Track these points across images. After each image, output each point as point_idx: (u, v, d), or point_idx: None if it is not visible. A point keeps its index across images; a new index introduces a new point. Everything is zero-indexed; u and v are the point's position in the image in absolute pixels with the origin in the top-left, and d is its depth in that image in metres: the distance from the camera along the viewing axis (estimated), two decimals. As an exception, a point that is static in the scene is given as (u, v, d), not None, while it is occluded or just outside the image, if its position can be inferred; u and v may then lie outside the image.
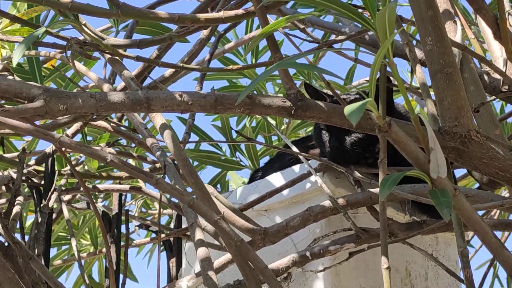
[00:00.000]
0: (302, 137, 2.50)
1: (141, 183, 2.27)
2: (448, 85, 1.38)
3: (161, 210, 2.60)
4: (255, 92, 1.77)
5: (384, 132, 1.14)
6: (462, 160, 1.39)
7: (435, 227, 1.92)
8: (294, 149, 1.97)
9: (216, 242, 1.98)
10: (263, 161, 2.97)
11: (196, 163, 2.90)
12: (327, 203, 1.90)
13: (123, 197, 2.03)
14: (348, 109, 1.04)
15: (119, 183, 2.00)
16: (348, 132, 2.02)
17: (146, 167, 2.16)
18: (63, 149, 1.51)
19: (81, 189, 1.96)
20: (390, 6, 1.13)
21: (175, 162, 1.85)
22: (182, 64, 1.65)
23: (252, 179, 2.35)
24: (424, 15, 1.41)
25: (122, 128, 2.04)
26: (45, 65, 2.41)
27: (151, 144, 1.86)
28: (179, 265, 2.10)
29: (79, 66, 1.80)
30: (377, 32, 1.18)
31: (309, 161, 1.98)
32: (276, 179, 2.14)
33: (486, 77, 1.94)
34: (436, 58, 1.40)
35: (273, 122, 3.25)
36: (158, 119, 1.49)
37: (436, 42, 1.39)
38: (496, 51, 1.92)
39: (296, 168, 2.11)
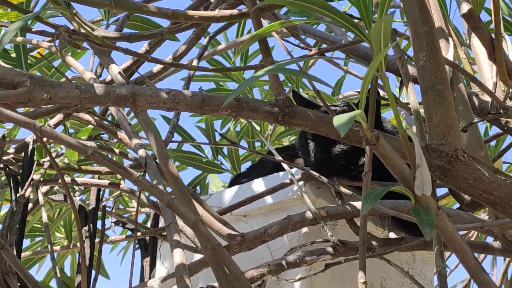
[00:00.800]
0: (286, 145, 2.48)
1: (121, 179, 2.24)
2: (438, 103, 1.37)
3: (139, 208, 2.57)
4: (241, 95, 1.75)
5: (371, 145, 1.12)
6: (447, 179, 1.38)
7: (413, 245, 1.91)
8: (278, 156, 1.95)
9: (192, 245, 1.97)
10: (245, 166, 2.95)
11: (177, 163, 2.88)
12: (307, 213, 1.88)
13: (101, 193, 2.00)
14: (337, 119, 1.02)
15: (99, 178, 1.97)
16: (333, 143, 2.01)
17: (127, 163, 2.13)
18: (44, 139, 1.48)
19: (59, 181, 1.93)
20: (387, 18, 1.12)
21: (157, 160, 1.83)
22: (171, 61, 1.62)
23: (232, 183, 2.33)
24: (419, 30, 1.40)
25: (105, 122, 2.02)
26: (32, 53, 2.38)
27: (134, 142, 1.84)
28: (153, 265, 2.08)
29: (67, 57, 1.78)
30: (372, 44, 1.16)
31: (292, 170, 1.96)
32: (257, 185, 2.12)
33: (474, 98, 1.93)
34: (428, 74, 1.38)
35: (258, 127, 3.23)
36: (142, 116, 1.47)
37: (429, 58, 1.38)
38: (487, 73, 1.91)
39: (279, 175, 2.09)
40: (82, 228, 1.96)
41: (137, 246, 2.08)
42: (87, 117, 2.01)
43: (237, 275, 1.25)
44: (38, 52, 2.26)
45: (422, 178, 1.15)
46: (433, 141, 1.38)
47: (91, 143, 2.06)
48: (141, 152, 1.82)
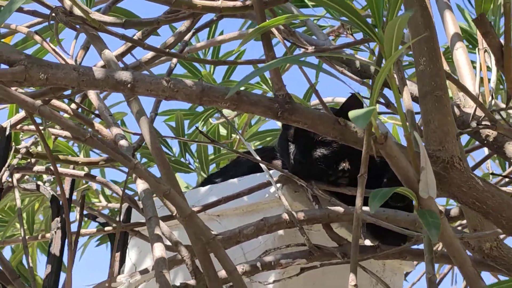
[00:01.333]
0: (263, 147, 2.46)
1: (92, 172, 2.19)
2: (437, 108, 1.36)
3: (107, 203, 2.54)
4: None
5: (379, 144, 1.11)
6: (441, 186, 1.37)
7: (389, 253, 1.90)
8: (256, 157, 1.93)
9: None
10: (212, 167, 2.93)
11: (144, 160, 2.84)
12: (283, 215, 1.86)
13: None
14: (353, 113, 1.00)
15: (74, 168, 1.92)
16: (313, 147, 1.99)
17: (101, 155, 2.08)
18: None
19: (34, 169, 1.89)
20: (403, 17, 1.10)
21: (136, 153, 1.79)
22: (167, 50, 1.59)
23: (205, 183, 2.30)
24: (421, 34, 1.39)
25: (79, 111, 1.97)
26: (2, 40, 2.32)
27: (114, 132, 1.80)
28: (122, 260, 2.04)
29: (44, 43, 1.74)
30: (382, 44, 1.15)
31: (270, 171, 1.94)
32: (232, 185, 2.09)
33: (456, 109, 1.93)
34: (428, 79, 1.38)
35: (224, 131, 3.21)
36: (135, 104, 1.44)
37: (429, 63, 1.37)
38: (469, 86, 1.91)
39: (255, 176, 2.07)
40: (54, 218, 1.91)
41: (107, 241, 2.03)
42: (64, 106, 1.96)
43: (230, 270, 1.23)
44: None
45: (427, 181, 1.14)
46: (430, 147, 1.37)
47: (66, 133, 2.01)
48: (122, 142, 1.79)
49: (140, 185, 1.70)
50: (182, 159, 2.84)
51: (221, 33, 3.00)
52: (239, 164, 2.29)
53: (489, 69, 2.00)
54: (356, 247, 1.32)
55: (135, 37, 1.70)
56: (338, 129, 1.32)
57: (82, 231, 2.06)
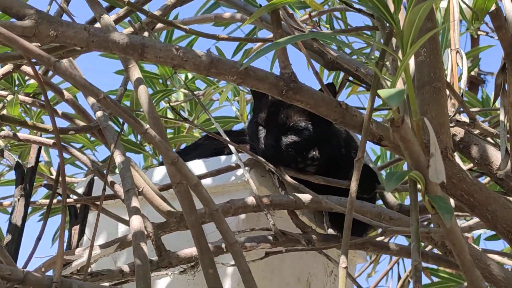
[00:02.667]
0: (231, 130, 2.45)
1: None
2: (434, 99, 1.38)
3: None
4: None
5: (396, 126, 1.12)
6: (432, 176, 1.39)
7: (352, 243, 1.92)
8: (226, 138, 1.92)
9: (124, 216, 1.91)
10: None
11: (93, 138, 2.79)
12: (250, 199, 1.86)
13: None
14: (386, 92, 1.01)
15: (40, 136, 1.88)
16: (285, 133, 2.00)
17: (67, 125, 2.03)
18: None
19: (0, 133, 1.84)
20: (427, 4, 1.12)
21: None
22: (171, 20, 1.57)
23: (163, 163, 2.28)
24: (422, 26, 1.41)
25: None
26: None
27: (92, 103, 1.77)
28: (81, 233, 2.00)
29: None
30: (400, 29, 1.17)
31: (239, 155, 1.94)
32: (197, 166, 2.08)
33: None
34: (427, 70, 1.40)
35: (171, 116, 3.18)
36: (135, 72, 1.42)
37: (429, 55, 1.40)
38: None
39: (222, 158, 2.07)
40: (18, 186, 1.87)
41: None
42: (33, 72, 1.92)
43: (231, 242, 1.22)
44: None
45: (436, 167, 1.15)
46: (425, 137, 1.39)
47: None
48: (99, 113, 1.76)
49: (118, 157, 1.68)
50: (132, 138, 2.80)
51: (175, 17, 2.98)
52: (203, 145, 2.28)
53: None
54: (348, 230, 1.32)
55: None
56: (339, 112, 1.33)
57: (42, 201, 2.02)
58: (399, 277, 3.22)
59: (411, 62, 1.50)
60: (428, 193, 1.16)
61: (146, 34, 1.86)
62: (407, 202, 2.72)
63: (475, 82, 5.73)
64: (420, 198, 1.24)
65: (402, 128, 1.13)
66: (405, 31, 1.15)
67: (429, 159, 1.16)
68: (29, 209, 1.93)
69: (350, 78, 1.97)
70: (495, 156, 1.76)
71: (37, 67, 2.06)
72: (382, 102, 2.20)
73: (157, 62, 1.24)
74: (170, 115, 3.17)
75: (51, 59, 1.11)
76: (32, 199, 1.96)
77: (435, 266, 3.04)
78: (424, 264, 3.21)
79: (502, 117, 1.48)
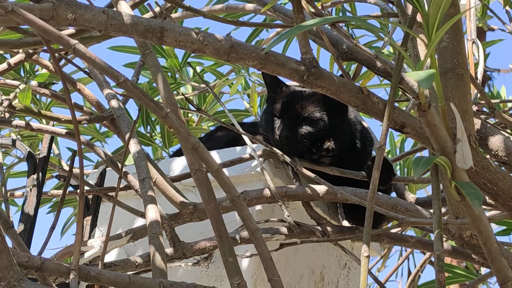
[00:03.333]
0: (244, 122, 2.43)
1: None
2: (457, 86, 1.36)
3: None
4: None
5: (422, 111, 1.10)
6: (455, 164, 1.36)
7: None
8: (240, 129, 1.90)
9: (137, 208, 1.89)
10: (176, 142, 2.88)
11: (104, 129, 2.77)
12: (265, 190, 1.84)
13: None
14: (417, 75, 0.99)
15: (53, 125, 1.86)
16: (300, 123, 1.98)
17: (79, 115, 2.01)
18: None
19: (13, 123, 1.81)
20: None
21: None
22: (188, 5, 1.55)
23: (177, 154, 2.26)
24: (446, 12, 1.39)
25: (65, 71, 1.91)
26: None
27: (106, 92, 1.75)
28: (93, 225, 1.98)
29: None
30: (426, 13, 1.14)
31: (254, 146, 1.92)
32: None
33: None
34: (449, 56, 1.37)
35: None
36: (151, 57, 1.39)
37: (452, 41, 1.37)
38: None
39: (236, 149, 2.04)
40: (30, 176, 1.85)
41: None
42: (45, 62, 1.90)
43: (253, 229, 1.19)
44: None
45: (463, 152, 1.13)
46: (453, 124, 1.36)
47: (44, 90, 1.94)
48: (114, 102, 1.74)
49: (133, 146, 1.66)
50: (142, 130, 2.78)
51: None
52: (215, 137, 2.26)
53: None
54: (370, 218, 1.30)
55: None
56: (361, 98, 1.31)
57: (54, 192, 2.00)
58: (409, 272, 3.20)
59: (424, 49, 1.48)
60: (455, 179, 1.14)
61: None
62: (418, 195, 2.69)
63: (482, 79, 5.71)
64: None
65: (429, 113, 1.10)
66: (431, 15, 1.13)
67: (456, 144, 1.14)
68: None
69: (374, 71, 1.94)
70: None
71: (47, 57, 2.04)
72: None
73: (176, 46, 1.22)
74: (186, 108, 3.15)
75: (71, 41, 1.08)
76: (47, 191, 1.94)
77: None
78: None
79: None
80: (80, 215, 1.24)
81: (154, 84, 3.16)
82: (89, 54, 1.09)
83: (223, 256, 1.28)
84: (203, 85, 3.09)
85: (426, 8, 1.16)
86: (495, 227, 3.77)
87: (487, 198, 1.66)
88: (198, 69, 3.14)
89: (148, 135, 2.75)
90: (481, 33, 4.91)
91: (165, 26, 1.22)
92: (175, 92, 3.11)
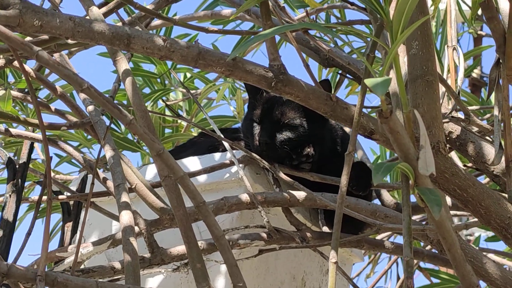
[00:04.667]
0: (227, 128, 2.43)
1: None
2: (426, 93, 1.37)
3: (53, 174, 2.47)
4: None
5: (384, 118, 1.10)
6: (424, 170, 1.36)
7: (347, 241, 1.90)
8: (221, 135, 1.91)
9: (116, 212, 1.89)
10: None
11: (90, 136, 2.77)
12: (244, 196, 1.84)
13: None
14: (371, 81, 0.99)
15: (33, 131, 1.86)
16: (280, 129, 1.98)
17: (61, 121, 2.02)
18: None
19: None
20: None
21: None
22: (159, 12, 1.56)
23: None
24: (414, 18, 1.39)
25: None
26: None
27: (83, 98, 1.75)
28: (74, 230, 1.98)
29: None
30: (392, 22, 1.15)
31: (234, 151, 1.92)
32: (192, 163, 2.06)
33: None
34: (419, 63, 1.38)
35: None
36: (122, 64, 1.40)
37: (422, 48, 1.38)
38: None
39: (216, 155, 2.05)
40: (9, 182, 1.85)
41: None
42: (27, 68, 1.90)
43: (218, 236, 1.20)
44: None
45: (426, 159, 1.13)
46: (417, 130, 1.37)
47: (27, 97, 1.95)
48: (91, 108, 1.74)
49: (109, 152, 1.66)
50: (130, 136, 2.78)
51: (174, 15, 2.96)
52: (197, 143, 2.26)
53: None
54: (338, 224, 1.31)
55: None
56: (329, 105, 1.32)
57: (34, 198, 2.00)
58: (398, 277, 3.20)
59: (404, 56, 1.48)
60: (418, 186, 1.14)
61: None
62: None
63: (477, 85, 5.71)
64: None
65: (391, 120, 1.11)
66: (394, 21, 1.14)
67: (419, 151, 1.14)
68: (26, 207, 1.92)
69: (345, 75, 1.94)
70: (491, 153, 1.74)
71: (33, 63, 2.05)
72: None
73: (144, 53, 1.22)
74: (168, 114, 3.15)
75: (34, 48, 1.09)
76: (29, 196, 1.95)
77: (435, 267, 3.02)
78: (423, 265, 3.19)
79: (496, 111, 1.46)
80: (48, 221, 1.25)
81: (147, 90, 3.15)
82: (52, 61, 1.10)
83: (191, 262, 1.28)
84: (192, 91, 3.09)
85: (391, 14, 1.17)
86: (484, 233, 3.78)
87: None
88: (188, 75, 3.15)
89: (135, 141, 2.76)
90: (478, 38, 4.91)
91: (132, 33, 1.23)
92: (164, 97, 3.11)
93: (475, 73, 5.38)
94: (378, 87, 0.96)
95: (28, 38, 1.70)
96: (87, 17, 1.44)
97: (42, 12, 1.20)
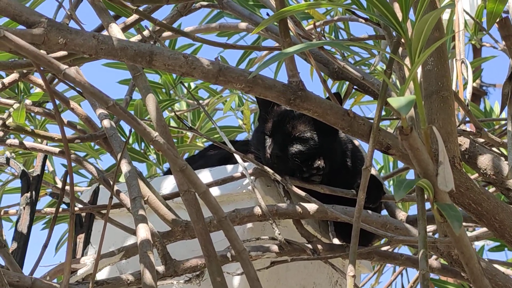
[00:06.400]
0: (235, 140, 2.45)
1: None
2: (442, 108, 1.39)
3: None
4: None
5: (404, 135, 1.12)
6: (440, 185, 1.38)
7: (358, 253, 1.92)
8: (232, 148, 1.93)
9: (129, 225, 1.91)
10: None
11: (97, 146, 2.80)
12: (256, 208, 1.86)
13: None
14: (396, 101, 1.01)
15: (46, 144, 1.88)
16: (291, 142, 2.00)
17: (71, 133, 2.04)
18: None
19: (7, 142, 1.84)
20: (435, 13, 1.12)
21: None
22: (177, 28, 1.58)
23: (168, 172, 2.28)
24: (430, 36, 1.41)
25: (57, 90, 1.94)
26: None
27: (99, 112, 1.77)
28: (86, 242, 2.00)
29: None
30: (409, 38, 1.17)
31: (244, 164, 1.94)
32: (203, 175, 2.08)
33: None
34: (434, 79, 1.40)
35: (173, 124, 3.18)
36: (142, 80, 1.42)
37: (437, 64, 1.40)
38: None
39: (228, 168, 2.07)
40: (23, 194, 1.87)
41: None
42: (39, 81, 1.92)
43: (240, 250, 1.22)
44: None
45: (445, 175, 1.15)
46: (433, 145, 1.39)
47: (38, 109, 1.97)
48: (106, 122, 1.76)
49: (125, 166, 1.68)
50: (136, 146, 2.80)
51: (179, 27, 2.98)
52: (206, 156, 2.28)
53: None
54: (356, 238, 1.32)
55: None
56: (347, 120, 1.33)
57: (47, 210, 2.02)
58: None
59: (418, 71, 1.50)
60: (437, 201, 1.16)
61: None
62: (410, 212, 2.72)
63: (477, 94, 5.74)
64: (427, 207, 1.24)
65: (411, 137, 1.13)
66: (413, 40, 1.15)
67: (438, 167, 1.16)
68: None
69: (358, 89, 1.97)
70: (501, 166, 1.76)
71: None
72: (385, 112, 2.20)
73: (165, 70, 1.24)
74: (173, 124, 3.17)
75: (61, 66, 1.11)
76: (41, 209, 1.96)
77: (436, 277, 3.03)
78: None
79: (509, 126, 1.48)
80: (71, 236, 1.26)
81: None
82: (78, 79, 1.12)
83: (211, 275, 1.30)
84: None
85: (410, 32, 1.19)
86: (489, 243, 3.79)
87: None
88: (192, 85, 3.17)
89: (142, 152, 2.77)
90: (477, 48, 4.95)
91: (154, 50, 1.25)
92: (169, 108, 3.13)
93: (475, 82, 5.42)
94: (403, 107, 0.98)
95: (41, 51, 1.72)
96: (105, 33, 1.46)
97: (66, 30, 1.22)
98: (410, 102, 1.00)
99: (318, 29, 2.53)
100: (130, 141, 2.80)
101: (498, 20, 1.27)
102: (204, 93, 3.23)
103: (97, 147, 2.83)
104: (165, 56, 1.25)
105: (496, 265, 2.86)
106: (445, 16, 2.92)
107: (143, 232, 1.55)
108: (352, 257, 1.32)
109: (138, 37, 1.79)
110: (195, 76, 1.26)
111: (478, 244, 4.05)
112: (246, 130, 2.92)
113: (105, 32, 1.50)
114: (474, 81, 4.33)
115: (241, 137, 3.18)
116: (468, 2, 4.11)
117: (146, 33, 1.58)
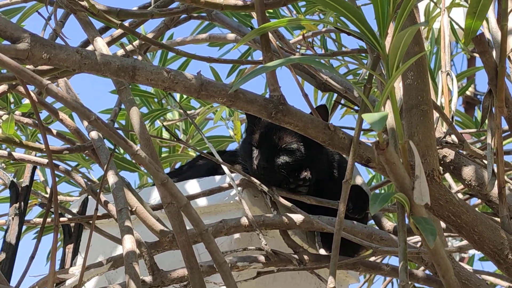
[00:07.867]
0: (224, 150, 2.47)
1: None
2: (421, 122, 1.41)
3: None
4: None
5: (381, 149, 1.14)
6: (419, 197, 1.40)
7: (343, 264, 1.94)
8: (219, 159, 1.95)
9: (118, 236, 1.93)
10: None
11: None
12: (243, 219, 1.88)
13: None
14: (370, 117, 1.03)
15: (35, 155, 1.90)
16: (277, 154, 2.02)
17: (60, 145, 2.05)
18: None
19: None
20: (411, 29, 1.14)
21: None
22: (163, 42, 1.60)
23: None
24: (410, 50, 1.44)
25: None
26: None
27: (86, 125, 1.79)
28: (75, 252, 2.02)
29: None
30: (386, 53, 1.19)
31: (231, 175, 1.96)
32: (191, 185, 2.10)
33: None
34: (414, 93, 1.42)
35: (166, 135, 3.20)
36: (126, 93, 1.44)
37: (417, 78, 1.42)
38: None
39: (216, 178, 2.09)
40: (12, 205, 1.89)
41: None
42: (33, 95, 1.94)
43: (220, 262, 1.24)
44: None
45: (421, 189, 1.17)
46: (412, 159, 1.41)
47: (27, 120, 1.98)
48: (93, 134, 1.78)
49: (111, 177, 1.70)
50: (127, 156, 2.81)
51: (170, 37, 3.01)
52: (195, 167, 2.30)
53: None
54: (336, 250, 1.34)
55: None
56: (327, 134, 1.35)
57: (36, 220, 2.03)
58: (393, 297, 3.23)
59: (400, 85, 1.52)
60: (413, 215, 1.18)
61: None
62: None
63: (471, 103, 5.76)
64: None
65: (387, 151, 1.15)
66: (390, 55, 1.18)
67: (414, 181, 1.18)
68: (23, 228, 1.95)
69: (342, 101, 1.99)
70: (484, 177, 1.78)
71: (32, 87, 2.09)
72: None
73: (148, 84, 1.26)
74: (165, 134, 3.19)
75: (43, 82, 1.13)
76: (26, 218, 1.98)
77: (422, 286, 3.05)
78: (417, 285, 3.23)
79: (489, 139, 1.50)
80: (54, 247, 1.28)
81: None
82: (61, 94, 1.14)
83: (193, 287, 1.32)
84: (189, 111, 3.13)
85: (387, 47, 1.21)
86: (478, 252, 3.81)
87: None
88: (184, 95, 3.19)
89: (133, 161, 2.79)
90: (471, 58, 4.96)
91: (137, 65, 1.27)
92: (161, 118, 3.15)
93: (469, 91, 5.44)
94: (376, 123, 1.00)
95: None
96: (91, 47, 1.48)
97: (50, 45, 1.24)
98: (383, 118, 1.02)
99: (309, 40, 2.56)
100: (122, 151, 2.81)
101: (473, 36, 1.30)
102: (196, 103, 3.25)
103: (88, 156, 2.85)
104: (147, 71, 1.27)
105: (485, 276, 2.89)
106: (436, 25, 2.95)
107: (129, 243, 1.57)
108: (333, 269, 1.34)
109: (130, 47, 1.81)
110: (177, 91, 1.28)
111: (470, 252, 4.06)
112: (237, 140, 2.94)
113: (91, 47, 1.52)
114: (466, 89, 4.35)
115: (232, 146, 3.19)
116: (463, 12, 4.15)
117: (130, 47, 1.60)
